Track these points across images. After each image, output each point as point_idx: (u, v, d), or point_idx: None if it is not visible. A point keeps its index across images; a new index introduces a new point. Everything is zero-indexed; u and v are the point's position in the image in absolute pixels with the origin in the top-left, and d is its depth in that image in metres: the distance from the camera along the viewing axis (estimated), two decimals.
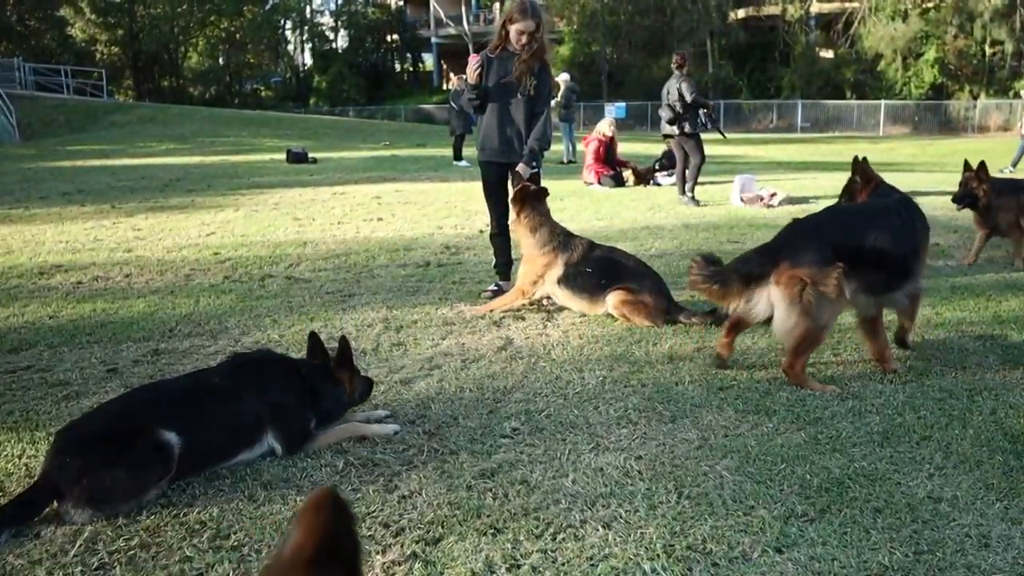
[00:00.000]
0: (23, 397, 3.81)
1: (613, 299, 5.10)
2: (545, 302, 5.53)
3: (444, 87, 59.87)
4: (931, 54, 40.14)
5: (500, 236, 5.92)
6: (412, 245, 7.94)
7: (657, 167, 14.19)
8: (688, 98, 10.72)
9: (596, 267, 5.25)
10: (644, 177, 13.89)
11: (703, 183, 11.97)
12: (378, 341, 4.72)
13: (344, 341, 3.45)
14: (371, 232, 8.71)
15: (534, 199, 5.44)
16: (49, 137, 26.84)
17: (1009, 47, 39.15)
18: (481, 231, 8.72)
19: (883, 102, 39.26)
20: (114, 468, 2.68)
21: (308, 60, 62.63)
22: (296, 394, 3.22)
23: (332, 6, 61.92)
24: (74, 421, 2.99)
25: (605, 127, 14.03)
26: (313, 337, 3.47)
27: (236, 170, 16.83)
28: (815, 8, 45.35)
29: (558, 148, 22.72)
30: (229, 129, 29.41)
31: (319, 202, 11.27)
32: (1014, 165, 17.00)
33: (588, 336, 4.85)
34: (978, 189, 6.91)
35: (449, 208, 10.71)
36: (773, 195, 10.91)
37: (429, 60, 61.19)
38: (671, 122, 11.24)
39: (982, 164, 6.95)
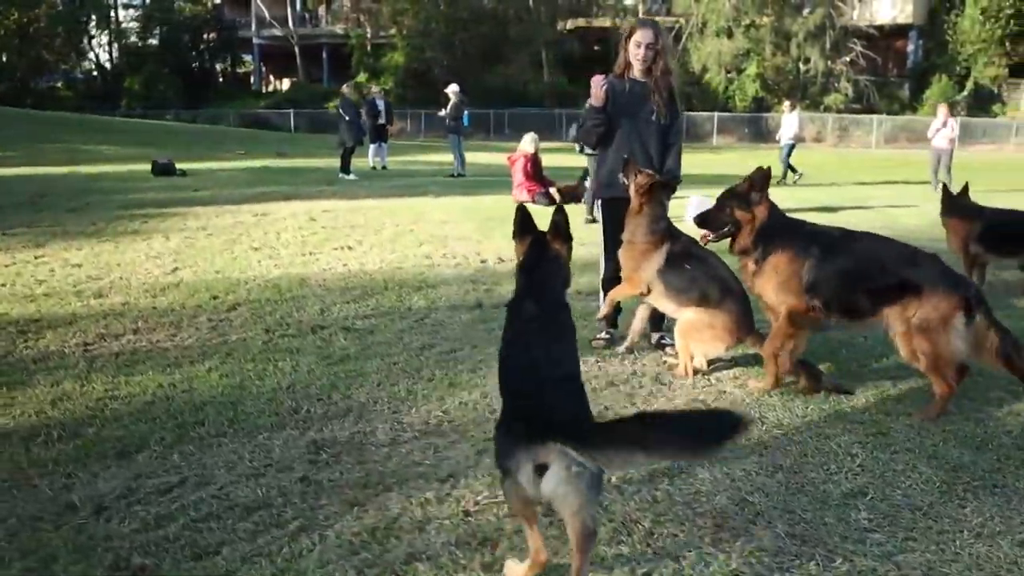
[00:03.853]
0: (237, 541, 2.86)
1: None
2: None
3: (265, 90, 57.40)
4: (752, 69, 42.84)
5: (615, 281, 5.33)
6: (428, 280, 7.14)
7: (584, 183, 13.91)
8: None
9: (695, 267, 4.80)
10: (570, 195, 13.57)
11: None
12: None
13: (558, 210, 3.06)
14: (361, 265, 7.80)
15: (663, 193, 4.94)
16: None
17: (820, 65, 42.49)
18: (484, 261, 8.06)
19: (716, 114, 41.45)
20: None
21: (115, 57, 57.72)
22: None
23: (140, 1, 57.49)
24: None
25: (528, 144, 13.58)
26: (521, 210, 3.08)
27: (101, 185, 14.97)
28: None
29: (447, 160, 22.31)
30: (49, 132, 26.39)
31: (251, 226, 10.09)
32: (785, 176, 18.54)
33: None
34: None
35: (404, 232, 9.89)
36: None
37: (250, 61, 58.42)
38: (576, 141, 11.05)
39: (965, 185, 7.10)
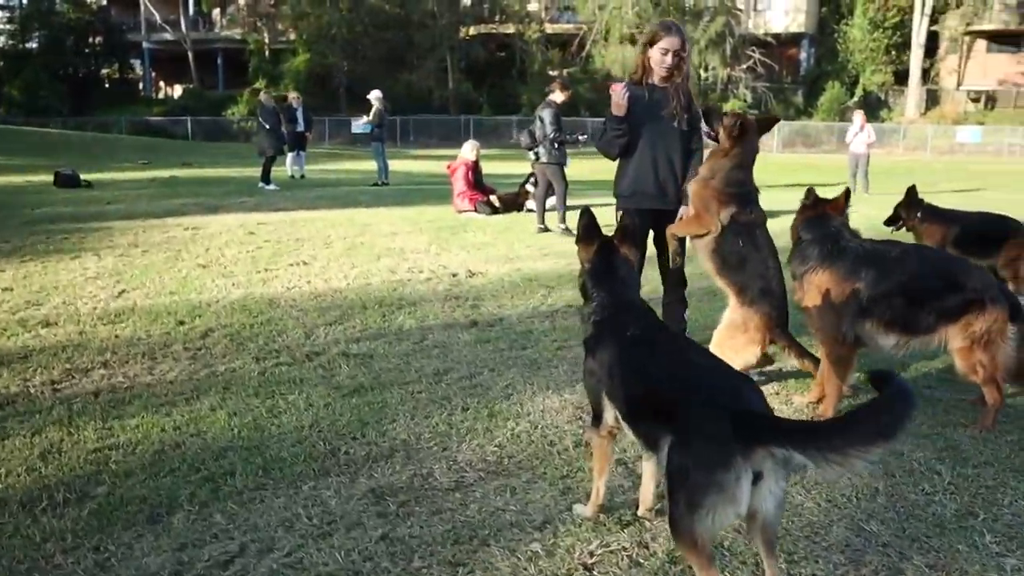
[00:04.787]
0: None
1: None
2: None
3: (156, 96, 54.91)
4: None
5: None
6: (406, 298, 6.71)
7: (527, 191, 13.64)
8: (548, 131, 10.26)
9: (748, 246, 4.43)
10: (513, 203, 13.31)
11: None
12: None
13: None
14: (325, 282, 7.30)
15: (755, 132, 4.49)
16: None
17: (721, 72, 43.64)
18: (454, 275, 7.68)
19: (589, 123, 41.93)
20: None
21: None
22: None
23: (17, 1, 54.11)
24: None
25: (469, 151, 13.21)
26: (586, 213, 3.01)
27: (4, 198, 13.82)
28: (550, 28, 47.42)
29: (364, 168, 21.71)
30: None
31: (187, 241, 9.40)
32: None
33: None
34: (905, 213, 7.09)
35: (355, 245, 9.40)
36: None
37: (139, 67, 55.96)
38: (529, 148, 10.84)
39: (912, 188, 7.12)
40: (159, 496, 3.14)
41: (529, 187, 12.82)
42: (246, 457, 3.50)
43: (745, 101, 43.98)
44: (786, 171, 23.55)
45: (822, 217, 4.18)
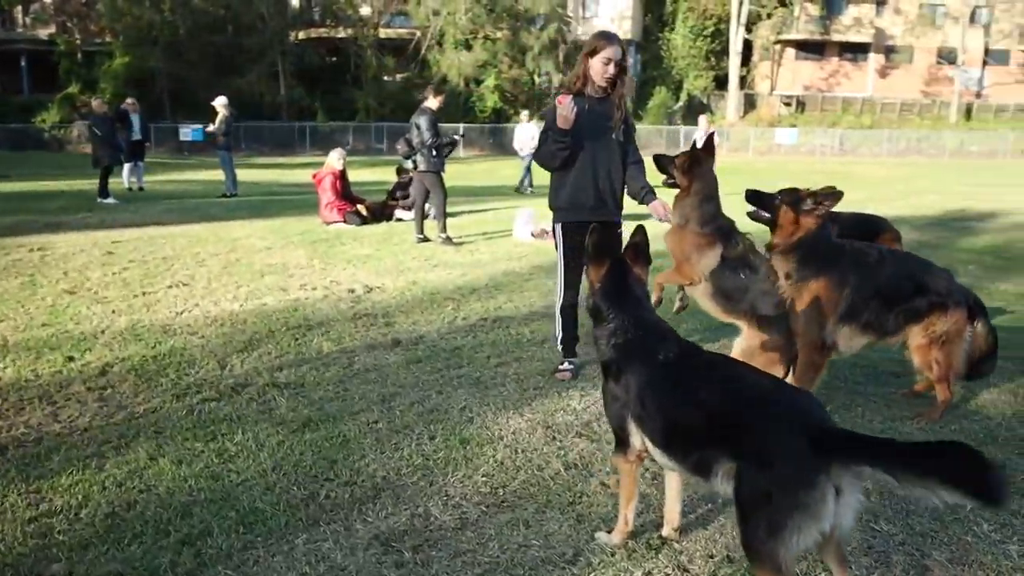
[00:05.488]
0: None
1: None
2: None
3: None
4: (491, 81, 43.99)
5: (575, 308, 4.98)
6: (310, 319, 6.34)
7: (395, 200, 13.35)
8: (426, 137, 10.10)
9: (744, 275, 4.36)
10: (381, 213, 12.98)
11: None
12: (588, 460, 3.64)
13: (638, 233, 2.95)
14: (215, 304, 6.79)
15: (708, 160, 4.48)
16: None
17: (555, 78, 44.59)
18: (351, 291, 7.36)
19: (461, 125, 41.96)
20: None
21: None
22: None
23: None
24: None
25: (336, 160, 12.74)
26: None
27: None
28: (384, 33, 46.82)
29: (205, 178, 20.59)
30: None
31: (38, 264, 8.51)
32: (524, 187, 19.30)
33: None
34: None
35: (232, 263, 8.83)
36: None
37: None
38: (406, 156, 10.65)
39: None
40: (135, 570, 2.75)
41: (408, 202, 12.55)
42: (216, 512, 3.14)
43: None
44: None
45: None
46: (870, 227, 7.45)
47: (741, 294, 4.31)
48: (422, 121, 10.14)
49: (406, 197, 13.18)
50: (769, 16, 46.87)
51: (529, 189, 19.50)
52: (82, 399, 4.48)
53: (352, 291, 7.38)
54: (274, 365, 5.12)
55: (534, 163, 19.49)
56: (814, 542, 2.20)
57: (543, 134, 4.80)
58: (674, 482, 2.87)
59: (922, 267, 4.25)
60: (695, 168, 4.41)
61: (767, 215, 4.22)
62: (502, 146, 42.23)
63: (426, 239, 10.53)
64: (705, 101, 46.90)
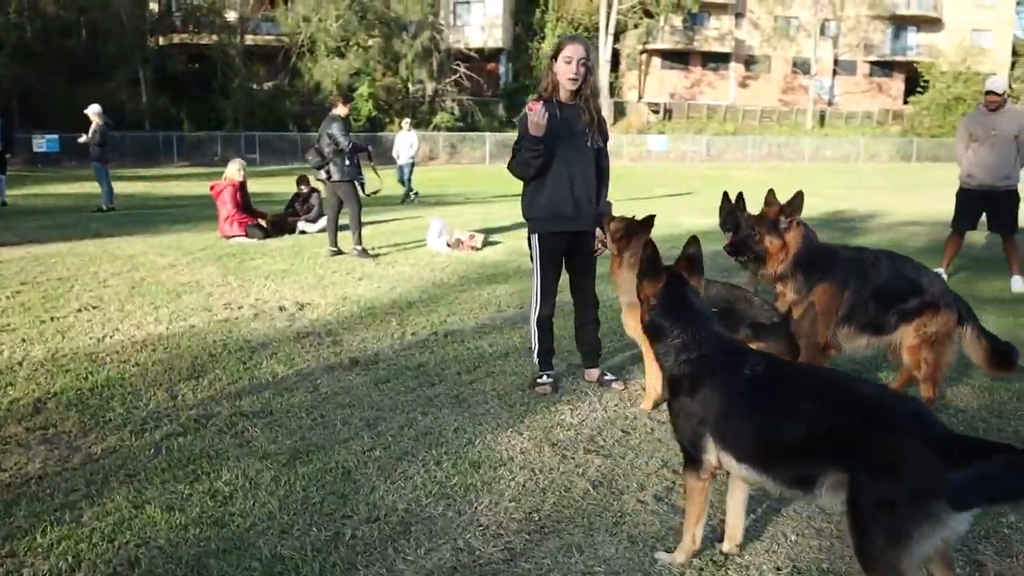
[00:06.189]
0: None
1: None
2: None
3: None
4: (365, 89, 43.29)
5: (551, 320, 4.84)
6: (249, 341, 5.95)
7: (294, 212, 12.83)
8: (343, 143, 9.79)
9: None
10: (284, 226, 12.45)
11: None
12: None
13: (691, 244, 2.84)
14: (139, 328, 6.27)
15: (643, 232, 4.34)
16: None
17: (429, 86, 44.44)
18: (283, 309, 6.98)
19: None
20: None
21: None
22: None
23: None
24: None
25: (235, 171, 12.10)
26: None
27: None
28: (251, 40, 45.34)
29: (77, 191, 19.30)
30: None
31: None
32: (407, 195, 19.03)
33: None
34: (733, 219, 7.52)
35: (139, 282, 8.22)
36: (472, 237, 10.80)
37: None
38: (319, 167, 10.31)
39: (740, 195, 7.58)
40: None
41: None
42: (236, 563, 2.84)
43: (452, 114, 45.23)
44: (495, 181, 24.51)
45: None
46: None
47: (727, 315, 4.15)
48: (334, 129, 9.79)
49: (308, 211, 12.75)
50: (636, 26, 48.36)
51: (415, 196, 19.18)
52: (23, 442, 4.00)
53: (283, 308, 7.00)
54: (231, 392, 4.75)
55: (413, 170, 19.53)
56: (935, 550, 2.17)
57: (516, 144, 4.66)
58: (739, 497, 2.80)
59: (915, 269, 4.37)
60: (634, 238, 4.37)
61: (756, 251, 4.24)
62: (378, 155, 41.64)
63: (340, 252, 10.15)
64: None
